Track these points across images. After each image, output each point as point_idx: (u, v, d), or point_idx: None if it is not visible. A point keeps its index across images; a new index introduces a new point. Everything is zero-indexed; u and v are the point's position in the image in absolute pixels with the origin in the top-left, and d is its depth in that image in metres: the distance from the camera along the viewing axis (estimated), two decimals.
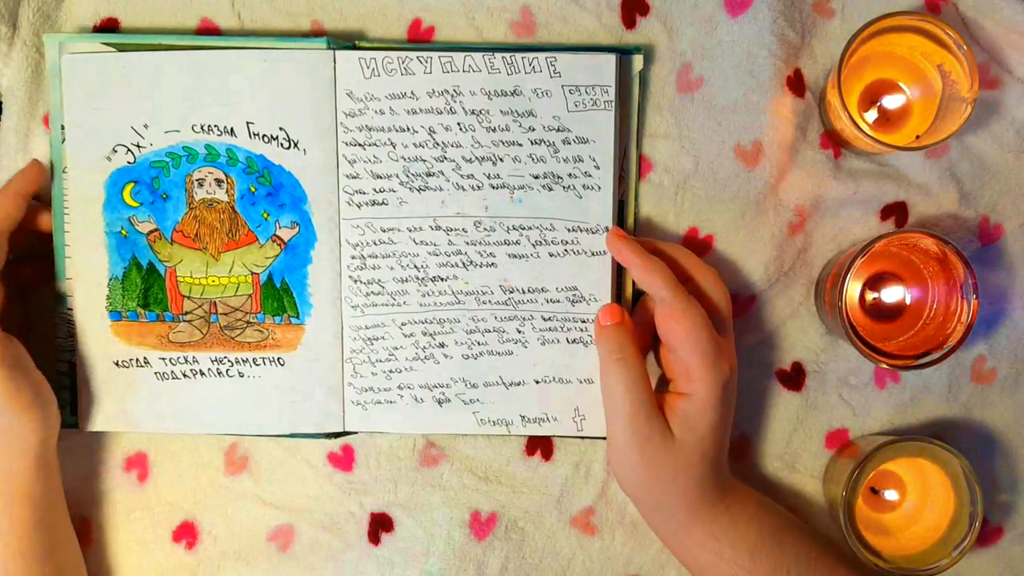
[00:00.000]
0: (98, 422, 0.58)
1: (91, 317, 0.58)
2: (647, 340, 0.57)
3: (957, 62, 0.54)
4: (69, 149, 0.57)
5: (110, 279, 0.57)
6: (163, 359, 0.58)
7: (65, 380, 0.58)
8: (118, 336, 0.58)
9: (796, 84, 0.59)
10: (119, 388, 0.58)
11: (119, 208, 0.57)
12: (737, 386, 0.55)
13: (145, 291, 0.58)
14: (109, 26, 0.58)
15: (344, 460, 0.61)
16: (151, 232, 0.57)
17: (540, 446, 0.61)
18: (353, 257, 0.57)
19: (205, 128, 0.56)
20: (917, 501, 0.59)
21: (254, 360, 0.58)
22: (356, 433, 0.59)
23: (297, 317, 0.58)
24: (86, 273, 0.57)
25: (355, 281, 0.57)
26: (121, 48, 0.56)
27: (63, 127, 0.56)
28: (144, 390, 0.58)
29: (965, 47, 0.53)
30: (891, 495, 0.60)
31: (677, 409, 0.53)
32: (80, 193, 0.57)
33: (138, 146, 0.56)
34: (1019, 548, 0.61)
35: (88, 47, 0.56)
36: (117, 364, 0.58)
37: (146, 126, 0.56)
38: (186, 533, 0.61)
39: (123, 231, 0.57)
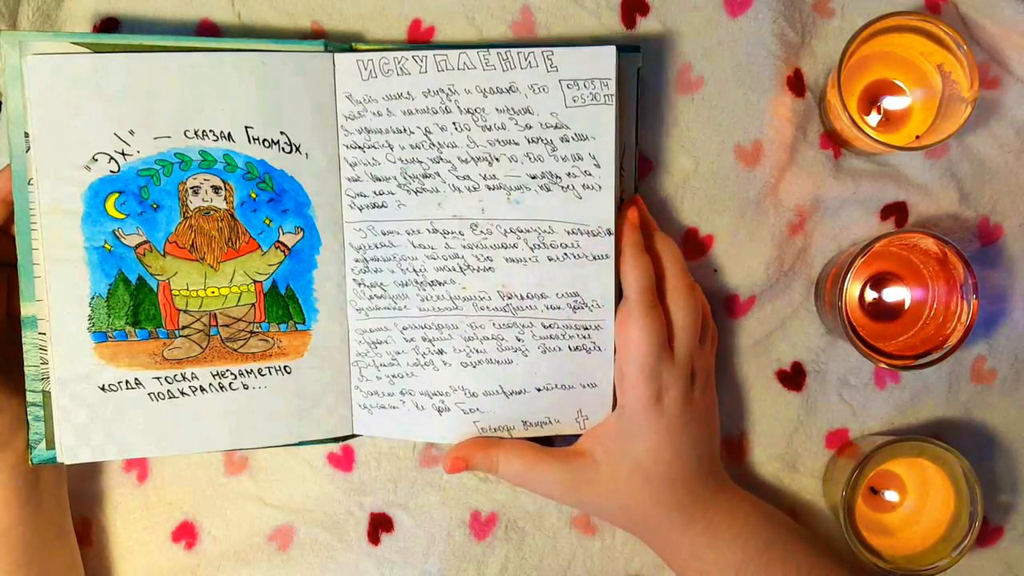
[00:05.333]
0: (83, 453, 0.54)
1: (70, 340, 0.53)
2: None
3: (957, 62, 0.54)
4: (36, 158, 0.52)
5: (92, 297, 0.53)
6: (157, 378, 0.55)
7: (38, 411, 0.54)
8: (103, 358, 0.54)
9: (796, 84, 0.59)
10: (107, 414, 0.54)
11: (102, 221, 0.53)
12: (683, 407, 0.53)
13: (135, 308, 0.54)
14: (109, 26, 0.58)
15: (344, 460, 0.61)
16: (140, 245, 0.54)
17: None
18: (356, 260, 0.56)
19: (200, 133, 0.54)
20: (917, 501, 0.59)
21: (259, 371, 0.56)
22: (360, 436, 0.59)
23: (303, 323, 0.56)
24: (63, 293, 0.53)
25: (359, 284, 0.56)
26: (96, 49, 0.52)
27: (27, 134, 0.52)
28: (136, 414, 0.55)
29: (965, 47, 0.53)
30: (891, 495, 0.60)
31: (608, 426, 0.54)
32: (53, 206, 0.52)
33: (123, 154, 0.53)
34: (1019, 548, 0.61)
35: (56, 47, 0.52)
36: (103, 388, 0.54)
37: (132, 132, 0.53)
38: (185, 533, 0.61)
39: (107, 245, 0.53)
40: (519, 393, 0.56)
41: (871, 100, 0.59)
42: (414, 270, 0.56)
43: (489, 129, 0.54)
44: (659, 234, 0.56)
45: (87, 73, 0.52)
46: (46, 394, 0.54)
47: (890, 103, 0.58)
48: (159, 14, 0.58)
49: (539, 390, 0.56)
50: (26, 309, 0.53)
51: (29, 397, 0.53)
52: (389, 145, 0.55)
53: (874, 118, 0.58)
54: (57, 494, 0.57)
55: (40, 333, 0.53)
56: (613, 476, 0.53)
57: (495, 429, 0.57)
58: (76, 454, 0.54)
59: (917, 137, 0.56)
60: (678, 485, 0.54)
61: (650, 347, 0.52)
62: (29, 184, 0.52)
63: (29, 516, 0.54)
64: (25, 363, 0.53)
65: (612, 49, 0.53)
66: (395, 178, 0.55)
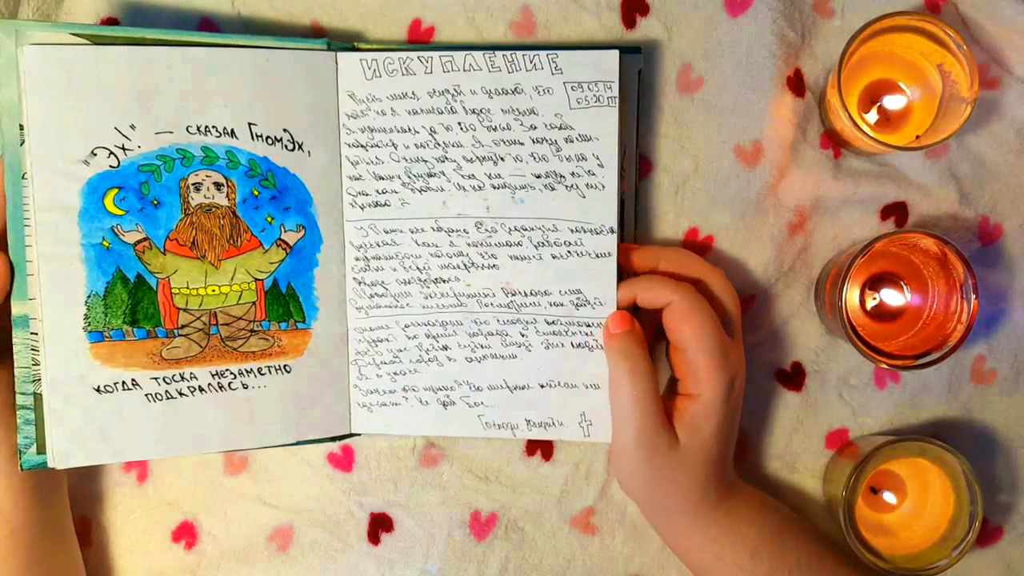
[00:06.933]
0: (75, 458, 0.52)
1: (64, 340, 0.52)
2: (650, 340, 0.57)
3: (957, 62, 0.54)
4: (31, 152, 0.50)
5: (89, 296, 0.52)
6: (155, 379, 0.53)
7: (28, 414, 0.52)
8: (99, 359, 0.52)
9: (796, 84, 0.59)
10: (101, 417, 0.53)
11: (100, 217, 0.52)
12: (744, 388, 0.55)
13: (133, 307, 0.53)
14: (109, 26, 0.58)
15: (344, 460, 0.61)
16: (139, 242, 0.53)
17: (540, 446, 0.61)
18: (357, 259, 0.56)
19: (202, 129, 0.53)
20: (917, 501, 0.59)
21: (259, 370, 0.55)
22: (359, 435, 0.59)
23: (303, 322, 0.56)
24: (58, 291, 0.51)
25: (359, 283, 0.56)
26: (96, 41, 0.51)
27: (21, 127, 0.50)
28: (132, 416, 0.53)
29: (965, 47, 0.53)
30: (890, 496, 0.60)
31: (684, 412, 0.53)
32: (48, 202, 0.51)
33: (123, 148, 0.52)
34: (1019, 548, 0.61)
35: (55, 37, 0.50)
36: (98, 390, 0.52)
37: (133, 127, 0.52)
38: (185, 533, 0.61)
39: (105, 242, 0.52)
40: (523, 388, 0.57)
41: (871, 100, 0.59)
42: (417, 268, 0.56)
43: (494, 129, 0.55)
44: (660, 247, 0.57)
45: (87, 65, 0.51)
46: (37, 396, 0.52)
47: (890, 103, 0.58)
48: (159, 13, 0.58)
49: (542, 386, 0.56)
50: (17, 308, 0.51)
51: (19, 400, 0.51)
52: (393, 144, 0.55)
53: (874, 118, 0.58)
54: (62, 494, 0.57)
55: (32, 333, 0.52)
56: (683, 456, 0.53)
57: (499, 425, 0.57)
58: (68, 458, 0.52)
59: (917, 137, 0.57)
60: (721, 467, 0.54)
61: (715, 333, 0.52)
62: (23, 178, 0.51)
63: (37, 517, 0.54)
64: (15, 364, 0.51)
65: (615, 53, 0.54)
66: (399, 177, 0.55)
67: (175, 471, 0.61)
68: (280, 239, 0.55)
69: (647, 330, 0.55)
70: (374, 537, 0.61)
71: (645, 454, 0.52)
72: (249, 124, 0.54)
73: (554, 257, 0.55)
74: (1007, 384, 0.61)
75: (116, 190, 0.52)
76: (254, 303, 0.55)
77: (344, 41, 0.57)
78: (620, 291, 0.55)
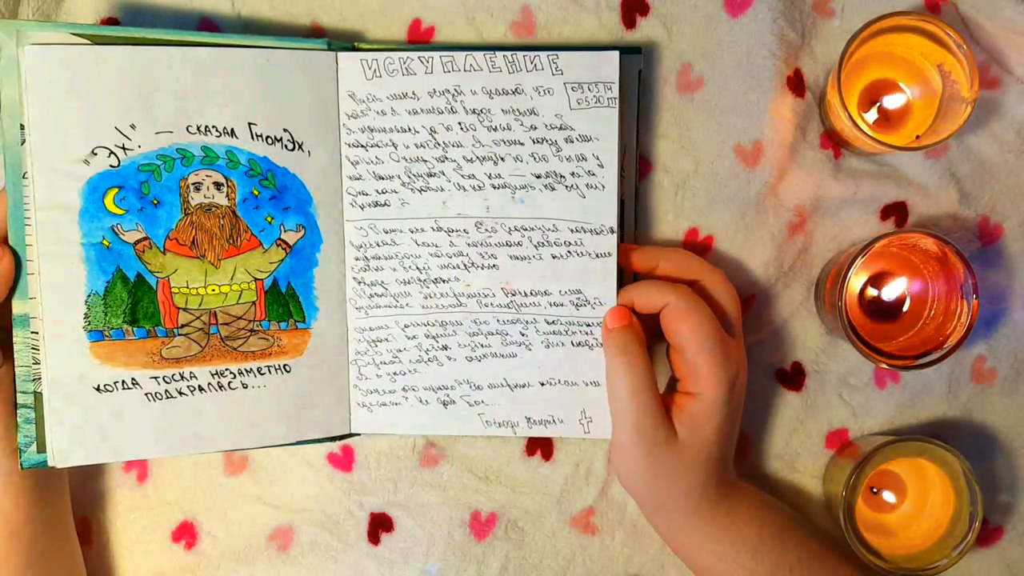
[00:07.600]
0: (75, 456, 0.53)
1: (64, 339, 0.52)
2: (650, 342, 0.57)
3: (957, 62, 0.54)
4: (32, 151, 0.50)
5: (89, 295, 0.52)
6: (155, 378, 0.54)
7: (29, 413, 0.52)
8: (99, 358, 0.53)
9: (796, 84, 0.59)
10: (101, 416, 0.53)
11: (100, 216, 0.52)
12: (745, 387, 0.55)
13: (133, 306, 0.53)
14: (109, 26, 0.58)
15: (344, 460, 0.61)
16: (139, 241, 0.53)
17: (540, 446, 0.61)
18: (357, 259, 0.56)
19: (202, 129, 0.53)
20: (917, 501, 0.59)
21: (259, 369, 0.55)
22: (359, 435, 0.59)
23: (303, 321, 0.56)
24: (58, 291, 0.52)
25: (359, 283, 0.56)
26: (97, 41, 0.51)
27: (22, 127, 0.50)
28: (132, 415, 0.53)
29: (965, 47, 0.53)
30: (889, 496, 0.60)
31: (684, 410, 0.52)
32: (48, 201, 0.51)
33: (123, 148, 0.52)
34: (1019, 548, 0.61)
35: (55, 37, 0.50)
36: (98, 389, 0.53)
37: (133, 126, 0.52)
38: (185, 533, 0.61)
39: (105, 242, 0.52)
40: (523, 387, 0.57)
41: (871, 100, 0.59)
42: (417, 268, 0.56)
43: (495, 129, 0.55)
44: (661, 248, 0.56)
45: (88, 64, 0.51)
46: (37, 395, 0.52)
47: (890, 103, 0.58)
48: (159, 13, 0.58)
49: (543, 384, 0.57)
50: (17, 307, 0.52)
51: (20, 399, 0.52)
52: (393, 144, 0.55)
53: (874, 118, 0.58)
54: (63, 493, 0.57)
55: (32, 332, 0.52)
56: (683, 452, 0.52)
57: (499, 423, 0.57)
58: (68, 457, 0.52)
59: (917, 137, 0.56)
60: (722, 466, 0.54)
61: (715, 332, 0.52)
62: (24, 178, 0.51)
63: (38, 515, 0.54)
64: (16, 363, 0.52)
65: (616, 54, 0.54)
66: (399, 176, 0.55)
67: (175, 471, 0.61)
68: (280, 239, 0.55)
69: (646, 331, 0.55)
70: (374, 537, 0.61)
71: (644, 448, 0.52)
72: (249, 124, 0.54)
73: (554, 257, 0.55)
74: (1007, 384, 0.61)
75: (116, 189, 0.52)
76: (254, 303, 0.55)
77: (344, 41, 0.57)
78: (617, 298, 0.55)
